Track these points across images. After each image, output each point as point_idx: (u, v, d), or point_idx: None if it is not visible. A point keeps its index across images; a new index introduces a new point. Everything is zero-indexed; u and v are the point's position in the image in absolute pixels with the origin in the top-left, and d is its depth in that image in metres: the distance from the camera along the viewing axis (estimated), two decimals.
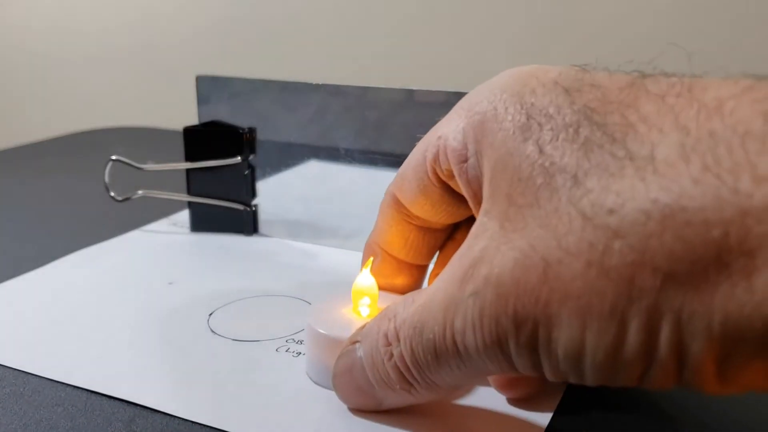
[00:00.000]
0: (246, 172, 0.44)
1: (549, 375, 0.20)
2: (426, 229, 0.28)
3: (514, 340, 0.19)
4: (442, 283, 0.22)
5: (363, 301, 0.28)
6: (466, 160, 0.23)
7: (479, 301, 0.20)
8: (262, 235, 0.46)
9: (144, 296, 0.36)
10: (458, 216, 0.27)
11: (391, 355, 0.23)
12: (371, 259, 0.29)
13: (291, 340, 0.32)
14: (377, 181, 0.34)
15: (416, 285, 0.30)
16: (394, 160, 0.40)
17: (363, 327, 0.25)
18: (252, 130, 0.44)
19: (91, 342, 0.31)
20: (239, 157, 0.43)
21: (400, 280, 0.30)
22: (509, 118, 0.21)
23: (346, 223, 0.45)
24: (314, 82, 0.46)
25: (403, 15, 0.94)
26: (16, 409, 0.27)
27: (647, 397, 0.27)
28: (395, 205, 0.28)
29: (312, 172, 0.46)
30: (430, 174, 0.26)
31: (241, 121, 0.45)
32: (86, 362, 0.30)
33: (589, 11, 0.84)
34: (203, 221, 0.46)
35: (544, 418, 0.26)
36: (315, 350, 0.28)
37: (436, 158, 0.25)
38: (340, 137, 0.43)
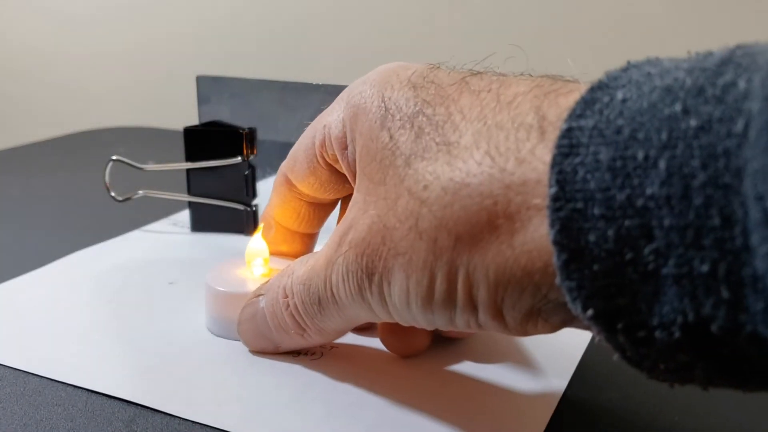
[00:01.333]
0: (246, 172, 0.44)
1: (398, 319, 0.24)
2: (315, 204, 0.32)
3: (368, 290, 0.24)
4: (326, 247, 0.26)
5: (256, 262, 0.33)
6: (346, 147, 0.27)
7: (346, 260, 0.24)
8: None
9: (144, 296, 0.36)
10: (343, 192, 0.31)
11: (288, 305, 0.28)
12: (261, 225, 0.33)
13: None
14: None
15: (308, 250, 0.34)
16: None
17: (266, 282, 0.30)
18: (252, 130, 0.44)
19: (91, 342, 0.31)
20: (239, 157, 0.43)
21: (294, 248, 0.34)
22: (373, 110, 0.25)
23: None
24: (314, 82, 0.46)
25: (403, 15, 0.94)
26: (16, 409, 0.27)
27: (647, 398, 0.27)
28: (287, 183, 0.31)
29: None
30: (319, 158, 0.29)
31: (242, 121, 0.45)
32: (86, 362, 0.30)
33: (590, 12, 0.84)
34: (204, 221, 0.46)
35: (543, 418, 0.26)
36: (215, 306, 0.32)
37: (323, 145, 0.28)
38: None
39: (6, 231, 0.47)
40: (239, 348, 0.31)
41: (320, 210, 0.33)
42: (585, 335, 0.32)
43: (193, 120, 0.47)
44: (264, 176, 0.51)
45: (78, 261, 0.41)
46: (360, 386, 0.28)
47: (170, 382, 0.28)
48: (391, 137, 0.24)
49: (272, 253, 0.33)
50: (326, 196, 0.31)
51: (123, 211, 0.48)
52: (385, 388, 0.28)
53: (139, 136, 0.80)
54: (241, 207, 0.45)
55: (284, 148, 0.49)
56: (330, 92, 0.44)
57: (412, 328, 0.29)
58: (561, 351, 0.31)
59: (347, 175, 0.28)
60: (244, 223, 0.45)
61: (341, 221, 0.25)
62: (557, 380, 0.29)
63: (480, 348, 0.31)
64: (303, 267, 0.27)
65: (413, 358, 0.30)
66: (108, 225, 0.46)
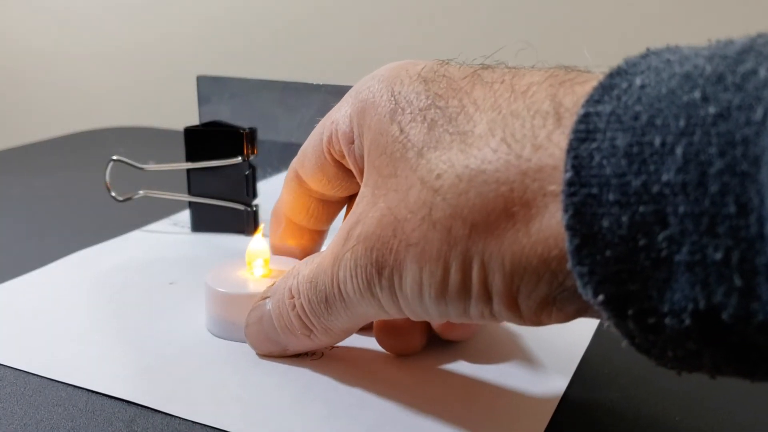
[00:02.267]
0: (247, 172, 0.44)
1: (409, 314, 0.24)
2: (324, 201, 0.32)
3: (378, 284, 0.23)
4: (332, 244, 0.26)
5: (257, 263, 0.32)
6: (353, 142, 0.27)
7: (354, 255, 0.24)
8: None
9: (144, 296, 0.36)
10: (351, 189, 0.31)
11: (294, 306, 0.27)
12: (262, 225, 0.34)
13: None
14: None
15: (317, 246, 0.34)
16: None
17: (272, 285, 0.29)
18: (252, 130, 0.44)
19: (91, 342, 0.31)
20: (240, 158, 0.43)
21: (303, 243, 0.34)
22: (382, 104, 0.25)
23: None
24: (314, 82, 0.46)
25: (404, 15, 0.94)
26: (16, 409, 0.27)
27: (648, 398, 0.27)
28: (297, 179, 0.32)
29: None
30: (326, 154, 0.29)
31: (242, 121, 0.45)
32: (86, 362, 0.30)
33: (590, 12, 0.84)
34: (204, 221, 0.46)
35: (543, 418, 0.26)
36: (215, 307, 0.31)
37: (330, 141, 0.28)
38: None
39: (6, 231, 0.47)
40: (239, 348, 0.31)
41: (330, 207, 0.32)
42: (586, 335, 0.32)
43: (194, 120, 0.47)
44: (264, 176, 0.51)
45: (78, 261, 0.41)
46: (360, 386, 0.28)
47: (170, 382, 0.28)
48: (401, 130, 0.24)
49: (280, 248, 0.33)
50: (334, 192, 0.31)
51: (123, 211, 0.48)
52: (386, 389, 0.28)
53: (139, 136, 0.80)
54: (241, 207, 0.45)
55: (284, 148, 0.49)
56: (330, 92, 0.44)
57: (407, 328, 0.29)
58: (562, 351, 0.31)
59: (353, 171, 0.28)
60: (245, 223, 0.45)
61: (347, 217, 0.25)
62: (557, 380, 0.29)
63: (480, 348, 0.31)
64: (309, 266, 0.27)
65: (414, 358, 0.30)
66: (108, 225, 0.46)
